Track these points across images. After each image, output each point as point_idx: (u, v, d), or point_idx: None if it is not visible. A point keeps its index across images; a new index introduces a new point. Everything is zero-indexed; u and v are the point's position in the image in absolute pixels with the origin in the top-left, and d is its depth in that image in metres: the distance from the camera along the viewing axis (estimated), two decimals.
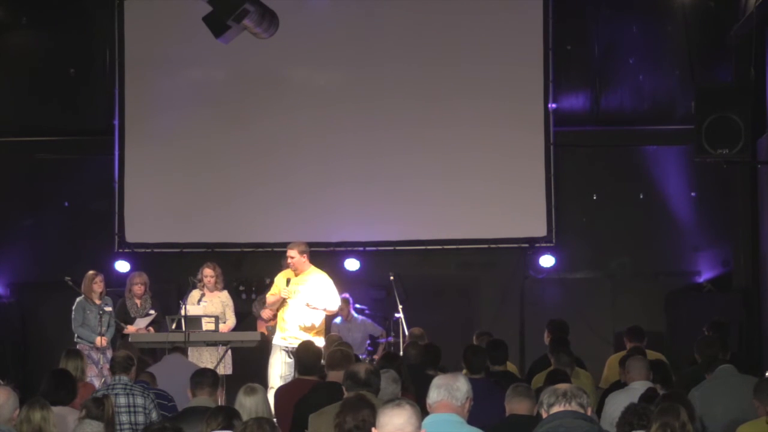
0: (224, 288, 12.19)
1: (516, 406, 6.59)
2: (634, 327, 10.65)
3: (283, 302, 11.10)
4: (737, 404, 7.55)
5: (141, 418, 7.86)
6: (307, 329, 10.99)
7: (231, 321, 12.02)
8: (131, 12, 13.99)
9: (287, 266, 11.18)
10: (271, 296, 11.30)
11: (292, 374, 10.88)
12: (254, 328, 12.39)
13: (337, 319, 13.00)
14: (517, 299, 13.88)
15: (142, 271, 12.39)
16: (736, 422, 7.26)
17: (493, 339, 9.89)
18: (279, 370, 10.98)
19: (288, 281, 11.06)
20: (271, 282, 11.73)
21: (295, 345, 10.73)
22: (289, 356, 10.97)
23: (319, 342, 10.91)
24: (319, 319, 11.08)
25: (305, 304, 10.99)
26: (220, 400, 9.18)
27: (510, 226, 13.71)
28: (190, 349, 11.38)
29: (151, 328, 11.90)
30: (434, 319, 13.05)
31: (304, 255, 11.12)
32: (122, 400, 7.88)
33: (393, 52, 13.82)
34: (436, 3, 13.79)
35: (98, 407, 6.71)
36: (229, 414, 6.06)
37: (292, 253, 11.13)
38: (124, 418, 7.84)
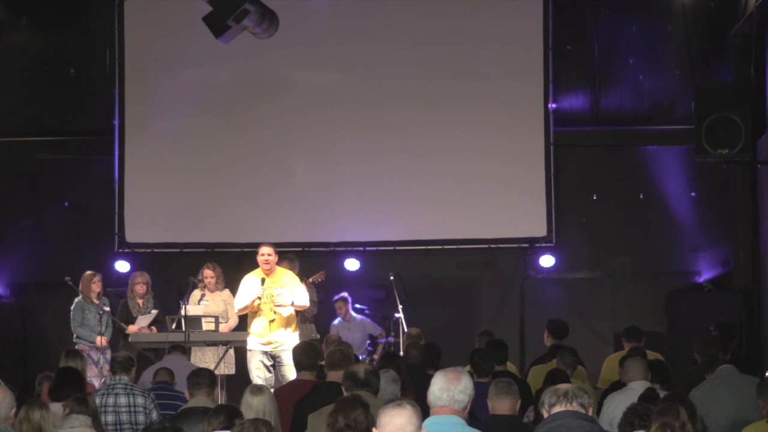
0: (225, 287, 12.19)
1: (497, 404, 6.54)
2: (631, 327, 10.64)
3: (252, 307, 11.02)
4: (738, 404, 7.54)
5: (141, 418, 7.86)
6: (288, 324, 10.94)
7: (233, 320, 12.02)
8: (131, 12, 13.99)
9: (263, 264, 11.08)
10: (239, 302, 11.17)
11: (273, 377, 10.87)
12: None
13: (337, 320, 13.00)
14: (517, 299, 13.88)
15: (143, 270, 12.39)
16: (736, 422, 7.26)
17: (493, 339, 9.89)
18: (261, 373, 10.93)
19: (263, 281, 11.00)
20: None
21: (277, 348, 10.77)
22: (269, 359, 10.94)
23: (295, 337, 10.92)
24: (290, 314, 11.07)
25: (275, 305, 10.93)
26: (220, 401, 9.16)
27: (510, 226, 13.71)
28: (193, 349, 11.37)
29: (153, 328, 11.90)
30: (434, 319, 13.06)
31: (277, 255, 11.13)
32: (123, 400, 7.88)
33: (393, 52, 13.82)
34: (436, 3, 13.79)
35: (81, 405, 6.72)
36: (230, 413, 6.05)
37: (270, 251, 11.07)
38: (125, 417, 7.84)
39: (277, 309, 10.92)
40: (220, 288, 12.07)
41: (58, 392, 7.28)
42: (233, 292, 12.40)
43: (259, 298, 10.91)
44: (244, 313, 11.18)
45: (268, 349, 10.93)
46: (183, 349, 10.28)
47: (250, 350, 11.04)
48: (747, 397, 7.42)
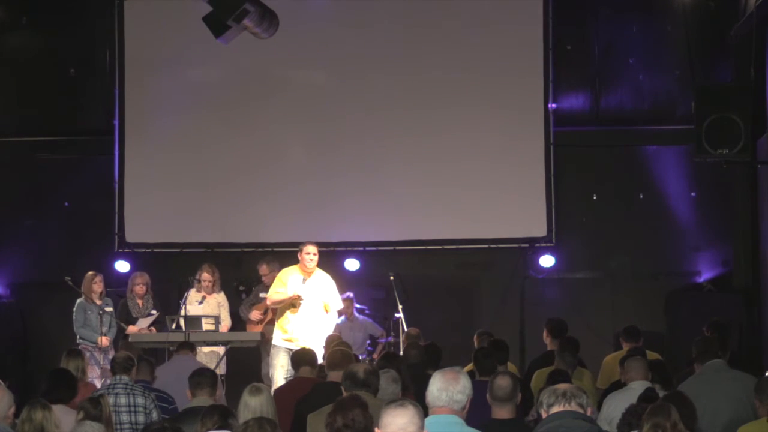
0: (221, 290, 12.22)
1: (497, 410, 6.42)
2: (629, 327, 10.64)
3: (290, 302, 11.03)
4: (725, 398, 7.59)
5: (141, 418, 7.87)
6: (317, 328, 10.96)
7: (227, 322, 12.06)
8: (131, 12, 13.99)
9: (308, 263, 11.08)
10: (277, 294, 11.16)
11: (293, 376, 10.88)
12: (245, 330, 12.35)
13: (340, 319, 12.99)
14: (517, 299, 13.87)
15: (143, 271, 12.40)
16: (721, 416, 7.32)
17: (496, 339, 9.89)
18: (283, 372, 10.94)
19: (304, 280, 11.01)
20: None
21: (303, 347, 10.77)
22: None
23: (320, 342, 10.95)
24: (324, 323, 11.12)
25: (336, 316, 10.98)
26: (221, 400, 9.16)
27: (510, 226, 13.70)
28: None
29: (153, 328, 11.91)
30: (434, 319, 13.07)
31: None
32: (123, 400, 7.89)
33: (393, 52, 13.82)
34: (436, 3, 13.79)
35: (95, 407, 6.71)
36: (223, 413, 6.01)
37: (316, 250, 11.09)
38: (125, 417, 7.84)
39: (311, 308, 10.94)
40: (216, 291, 12.11)
41: (51, 394, 7.25)
42: (230, 292, 12.43)
43: (298, 297, 10.92)
44: (277, 306, 11.16)
45: (292, 346, 10.92)
46: (192, 346, 10.19)
47: (274, 345, 11.06)
48: (731, 393, 7.52)
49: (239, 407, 6.61)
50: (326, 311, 11.20)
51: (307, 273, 11.07)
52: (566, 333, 10.46)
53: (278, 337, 11.07)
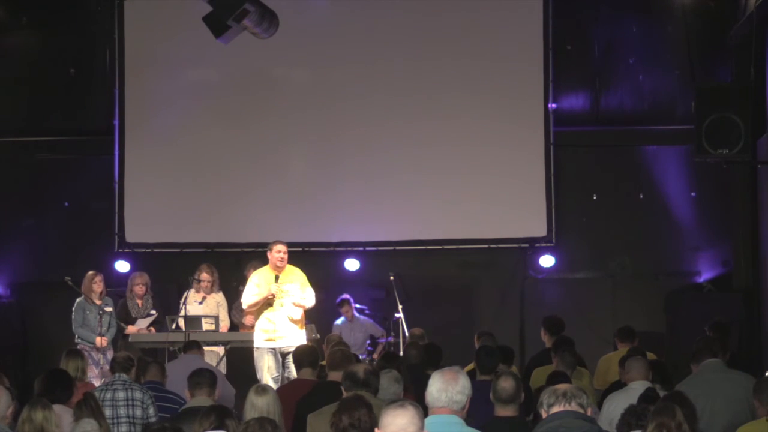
0: (219, 290, 12.21)
1: (500, 410, 6.44)
2: (624, 327, 10.63)
3: (266, 302, 11.02)
4: (721, 400, 7.59)
5: (139, 412, 7.91)
6: (296, 322, 10.97)
7: (225, 322, 12.06)
8: (131, 12, 13.99)
9: (279, 261, 11.08)
10: (254, 296, 11.16)
11: (280, 374, 10.87)
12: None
13: (340, 320, 13.00)
14: (517, 299, 13.88)
15: (142, 271, 12.40)
16: (720, 417, 7.32)
17: (501, 346, 9.87)
18: (270, 372, 10.93)
19: (276, 278, 11.02)
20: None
21: (286, 345, 10.77)
22: (277, 357, 10.94)
23: (303, 335, 10.95)
24: (300, 314, 11.12)
25: (292, 303, 10.96)
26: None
27: (510, 226, 13.71)
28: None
29: (152, 329, 11.91)
30: (434, 319, 13.06)
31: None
32: (121, 395, 7.92)
33: (393, 52, 13.82)
34: (437, 3, 13.80)
35: (86, 407, 6.72)
36: (221, 413, 6.01)
37: (286, 248, 11.09)
38: (122, 411, 7.88)
39: (288, 304, 10.93)
40: (215, 291, 12.10)
41: (48, 395, 7.25)
42: (230, 292, 12.42)
43: (273, 296, 10.92)
44: (254, 309, 11.16)
45: (275, 346, 10.92)
46: (199, 346, 10.14)
47: (257, 348, 11.03)
48: (732, 391, 7.52)
49: (245, 407, 6.62)
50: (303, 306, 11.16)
51: (279, 270, 11.07)
52: (563, 330, 10.49)
53: (260, 339, 11.03)
